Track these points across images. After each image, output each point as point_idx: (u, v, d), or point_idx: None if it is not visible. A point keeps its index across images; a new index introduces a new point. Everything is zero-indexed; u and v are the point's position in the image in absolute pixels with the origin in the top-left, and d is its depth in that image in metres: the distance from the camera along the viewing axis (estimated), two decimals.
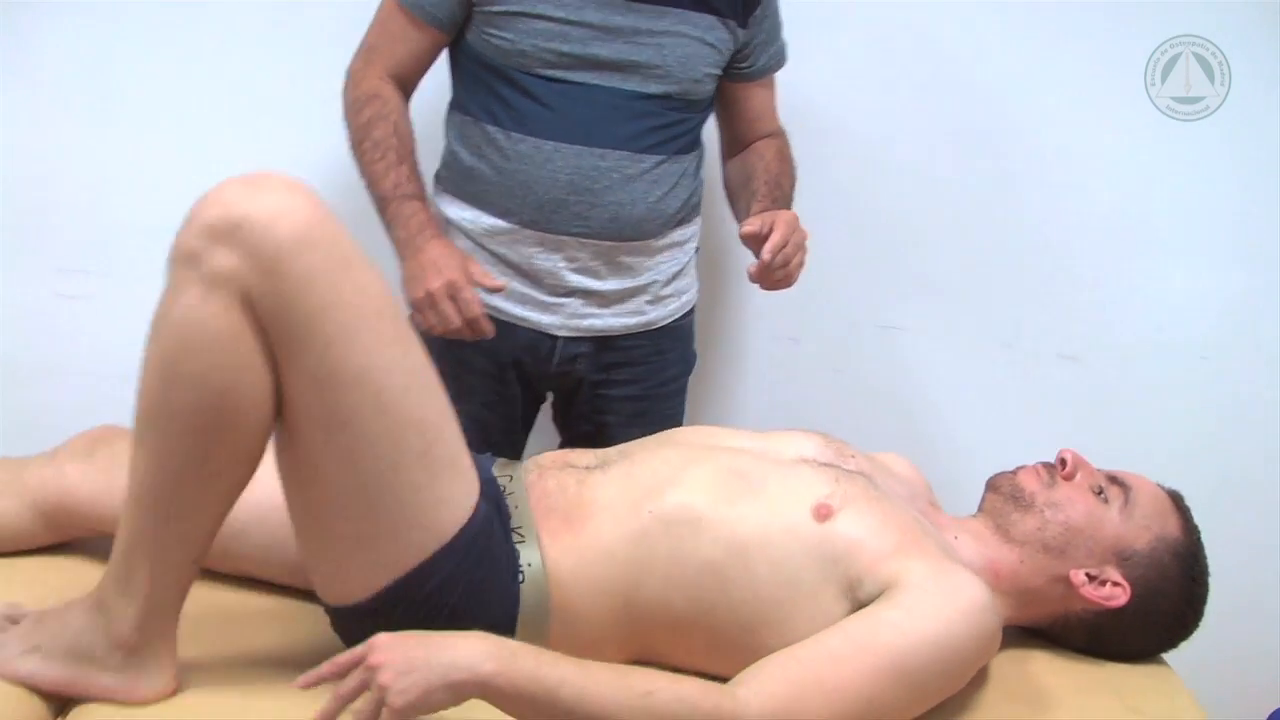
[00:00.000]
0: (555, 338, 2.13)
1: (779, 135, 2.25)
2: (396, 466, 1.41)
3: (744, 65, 2.15)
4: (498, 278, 2.00)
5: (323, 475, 1.42)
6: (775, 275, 1.90)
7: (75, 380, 2.58)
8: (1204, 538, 1.72)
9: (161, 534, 1.42)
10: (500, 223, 2.07)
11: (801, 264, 1.94)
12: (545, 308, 2.12)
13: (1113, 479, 1.71)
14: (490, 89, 2.03)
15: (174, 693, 1.49)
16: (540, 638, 1.50)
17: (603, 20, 1.97)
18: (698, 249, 2.27)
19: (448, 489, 1.47)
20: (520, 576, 1.55)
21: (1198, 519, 1.73)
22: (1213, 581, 1.72)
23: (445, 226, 2.12)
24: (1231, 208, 2.56)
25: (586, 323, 2.14)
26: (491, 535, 1.54)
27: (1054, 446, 1.77)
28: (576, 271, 2.09)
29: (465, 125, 2.08)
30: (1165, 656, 1.77)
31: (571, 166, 2.01)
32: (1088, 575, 1.64)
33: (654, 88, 2.02)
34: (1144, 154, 2.55)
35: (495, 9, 1.97)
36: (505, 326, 2.09)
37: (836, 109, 2.55)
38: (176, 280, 1.34)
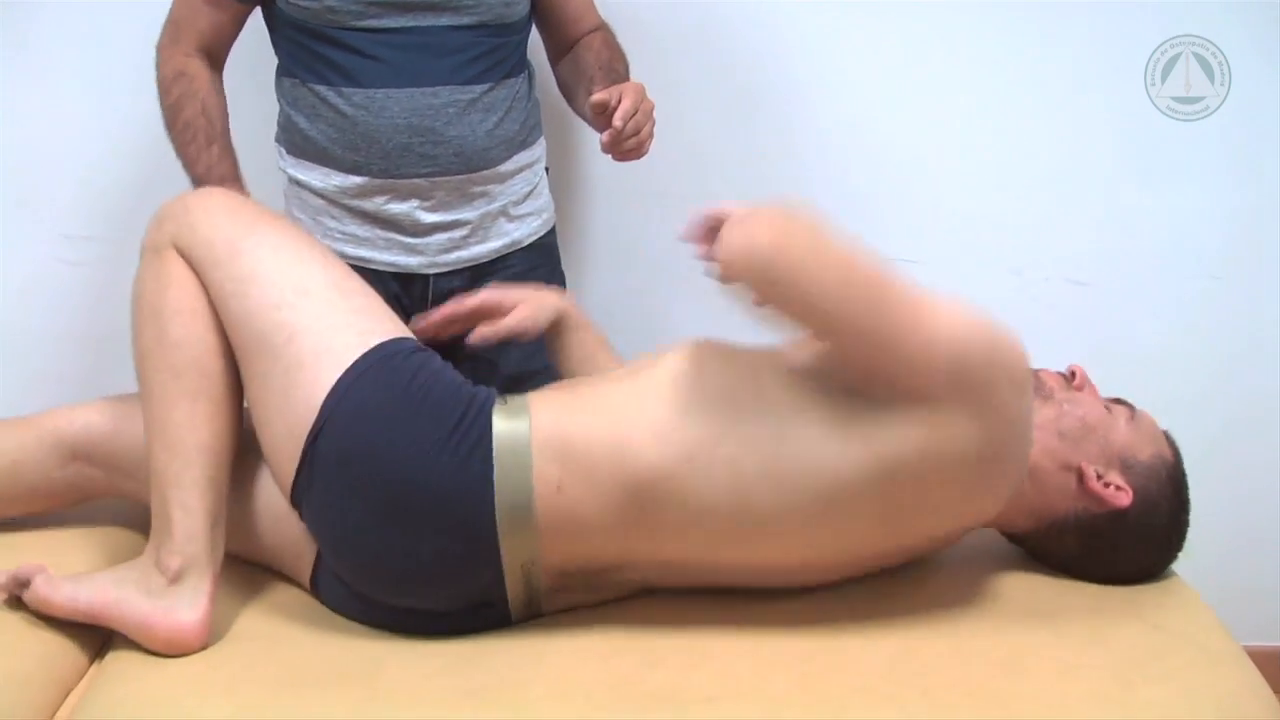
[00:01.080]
0: (427, 276, 2.14)
1: (602, 28, 2.24)
2: (269, 353, 1.63)
3: None
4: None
5: (244, 375, 1.66)
6: (627, 144, 1.91)
7: (78, 346, 2.58)
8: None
9: (172, 461, 1.60)
10: (350, 179, 2.07)
11: (651, 134, 1.94)
12: (409, 249, 2.12)
13: (1117, 400, 1.74)
14: (310, 50, 2.03)
15: (207, 622, 1.57)
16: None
17: None
18: (547, 168, 2.29)
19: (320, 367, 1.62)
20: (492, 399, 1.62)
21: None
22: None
23: (295, 189, 2.15)
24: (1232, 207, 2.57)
25: (453, 255, 2.14)
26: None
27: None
28: (432, 210, 2.10)
29: (294, 89, 2.09)
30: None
31: (406, 110, 2.01)
32: (1096, 473, 1.65)
33: (467, 19, 2.02)
34: (1144, 154, 2.56)
35: None
36: (375, 275, 2.07)
37: (844, 62, 2.56)
38: (141, 263, 1.71)
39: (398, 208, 2.08)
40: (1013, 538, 1.76)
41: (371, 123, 2.02)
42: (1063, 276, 2.60)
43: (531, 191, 2.21)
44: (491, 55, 2.06)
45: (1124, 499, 1.63)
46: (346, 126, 2.03)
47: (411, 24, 1.99)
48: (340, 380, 1.58)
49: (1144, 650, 1.49)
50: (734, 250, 1.46)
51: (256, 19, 2.10)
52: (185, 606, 1.56)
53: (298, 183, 2.13)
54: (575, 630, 1.56)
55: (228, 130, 2.05)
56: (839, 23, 2.51)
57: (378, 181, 2.06)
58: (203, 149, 1.99)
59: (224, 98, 2.07)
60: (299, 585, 1.72)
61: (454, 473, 1.53)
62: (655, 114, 1.95)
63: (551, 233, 2.30)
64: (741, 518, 1.51)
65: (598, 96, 1.90)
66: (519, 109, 2.14)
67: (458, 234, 2.13)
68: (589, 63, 2.15)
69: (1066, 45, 2.52)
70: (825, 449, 1.48)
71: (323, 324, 1.63)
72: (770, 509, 1.50)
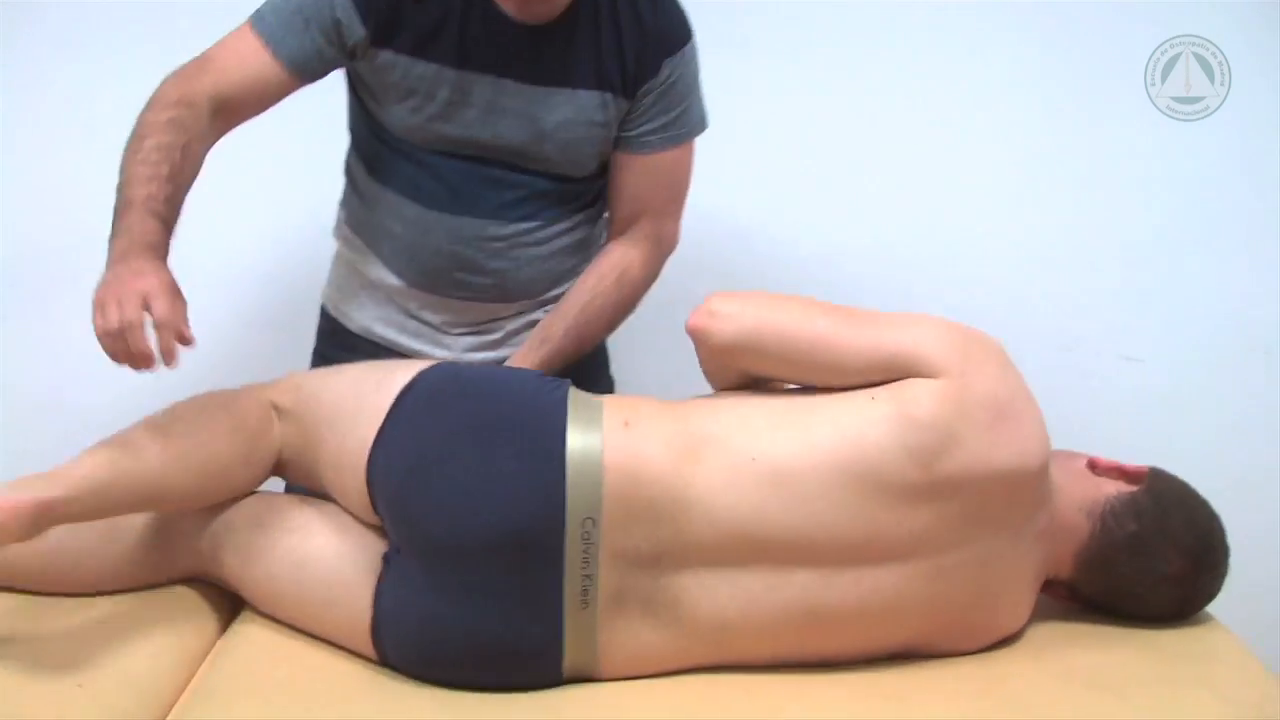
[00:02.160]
0: None
1: (644, 248, 2.06)
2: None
3: (623, 131, 1.99)
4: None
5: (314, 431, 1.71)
6: None
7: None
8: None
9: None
10: (390, 278, 2.04)
11: None
12: (437, 343, 2.07)
13: None
14: (380, 150, 1.97)
15: (19, 508, 1.44)
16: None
17: (489, 100, 1.88)
18: None
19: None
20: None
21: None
22: None
23: (345, 255, 2.12)
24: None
25: (479, 355, 2.08)
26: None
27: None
28: (462, 324, 2.06)
29: (364, 176, 2.03)
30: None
31: (452, 236, 1.96)
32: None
33: (536, 166, 1.94)
34: (1144, 154, 2.55)
35: (375, 78, 1.88)
36: (396, 357, 2.04)
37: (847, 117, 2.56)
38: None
39: (431, 316, 2.05)
40: (1080, 589, 1.72)
41: (417, 240, 1.97)
42: (1115, 352, 2.60)
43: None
44: (547, 197, 1.98)
45: (1142, 467, 1.69)
46: (396, 234, 1.99)
47: (479, 155, 1.93)
48: (425, 369, 1.67)
49: None
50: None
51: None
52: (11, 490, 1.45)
53: (346, 256, 2.11)
54: (650, 699, 1.54)
55: (188, 187, 1.76)
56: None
57: (414, 290, 2.02)
58: (158, 179, 1.70)
59: (202, 163, 1.80)
60: (356, 653, 1.66)
61: (534, 395, 1.63)
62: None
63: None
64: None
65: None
66: (576, 250, 2.07)
67: (488, 338, 2.08)
68: (577, 303, 2.02)
69: (1066, 45, 2.53)
70: (851, 419, 1.56)
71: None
72: (805, 466, 1.53)
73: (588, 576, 1.53)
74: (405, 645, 1.57)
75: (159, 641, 1.63)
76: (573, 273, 2.07)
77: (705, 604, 1.55)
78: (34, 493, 1.45)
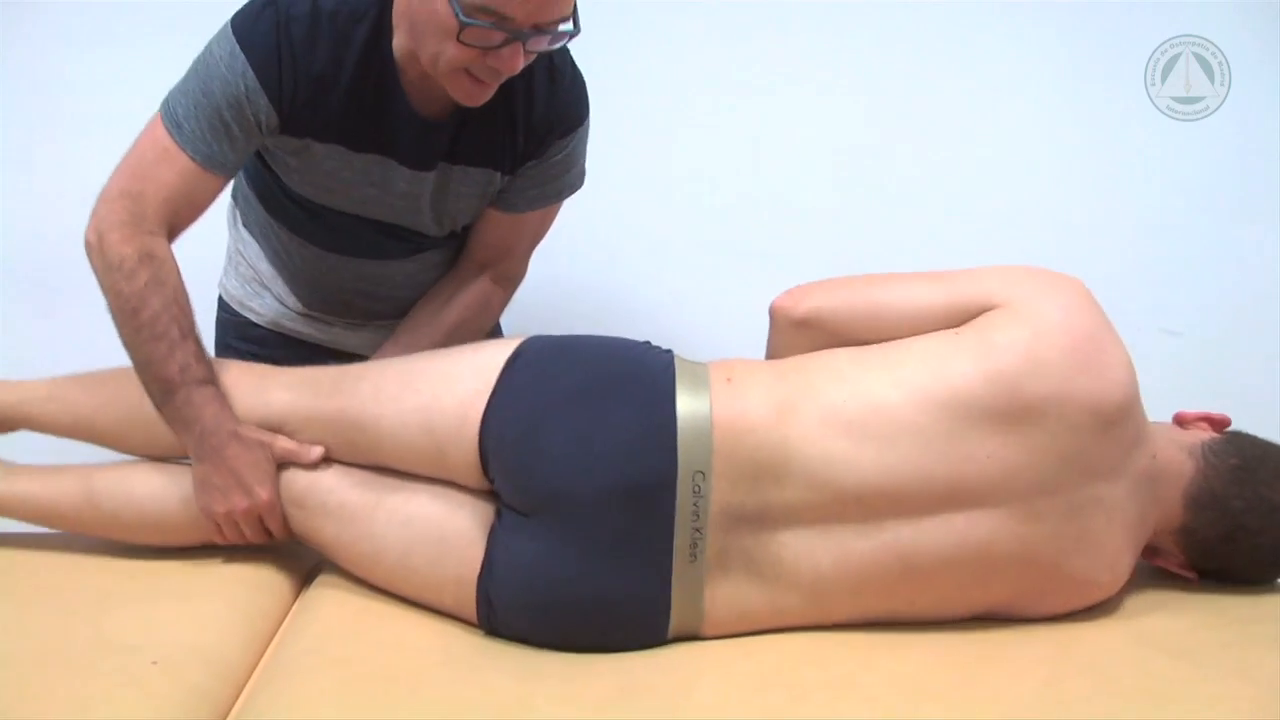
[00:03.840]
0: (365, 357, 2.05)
1: (505, 286, 2.10)
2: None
3: (500, 191, 1.97)
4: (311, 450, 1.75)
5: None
6: None
7: None
8: None
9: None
10: (285, 306, 2.12)
11: None
12: (350, 330, 2.14)
13: None
14: (271, 192, 1.96)
15: None
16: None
17: (382, 180, 1.87)
18: None
19: None
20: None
21: None
22: None
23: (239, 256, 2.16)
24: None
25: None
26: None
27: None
28: (364, 330, 2.13)
29: (252, 213, 2.06)
30: None
31: (354, 274, 2.02)
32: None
33: (425, 229, 1.96)
34: (1144, 154, 2.59)
35: (289, 160, 1.86)
36: (309, 347, 2.12)
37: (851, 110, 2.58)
38: None
39: (330, 330, 2.14)
40: (1195, 535, 1.69)
41: (318, 276, 2.03)
42: (1155, 326, 2.62)
43: None
44: (432, 245, 2.02)
45: (1224, 415, 1.73)
46: (296, 267, 2.04)
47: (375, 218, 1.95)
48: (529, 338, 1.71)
49: None
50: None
51: None
52: None
53: (244, 262, 2.15)
54: (723, 666, 1.53)
55: (197, 326, 1.74)
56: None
57: (314, 312, 2.10)
58: (177, 344, 1.68)
59: (185, 287, 1.75)
60: (456, 618, 1.67)
61: (642, 357, 1.67)
62: None
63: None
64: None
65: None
66: (453, 260, 2.11)
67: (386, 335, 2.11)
68: (435, 322, 2.04)
69: (1066, 45, 2.56)
70: (936, 354, 1.59)
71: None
72: (895, 403, 1.56)
73: (697, 530, 1.54)
74: (512, 594, 1.58)
75: (230, 618, 1.64)
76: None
77: (804, 559, 1.56)
78: None
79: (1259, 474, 1.66)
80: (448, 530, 1.64)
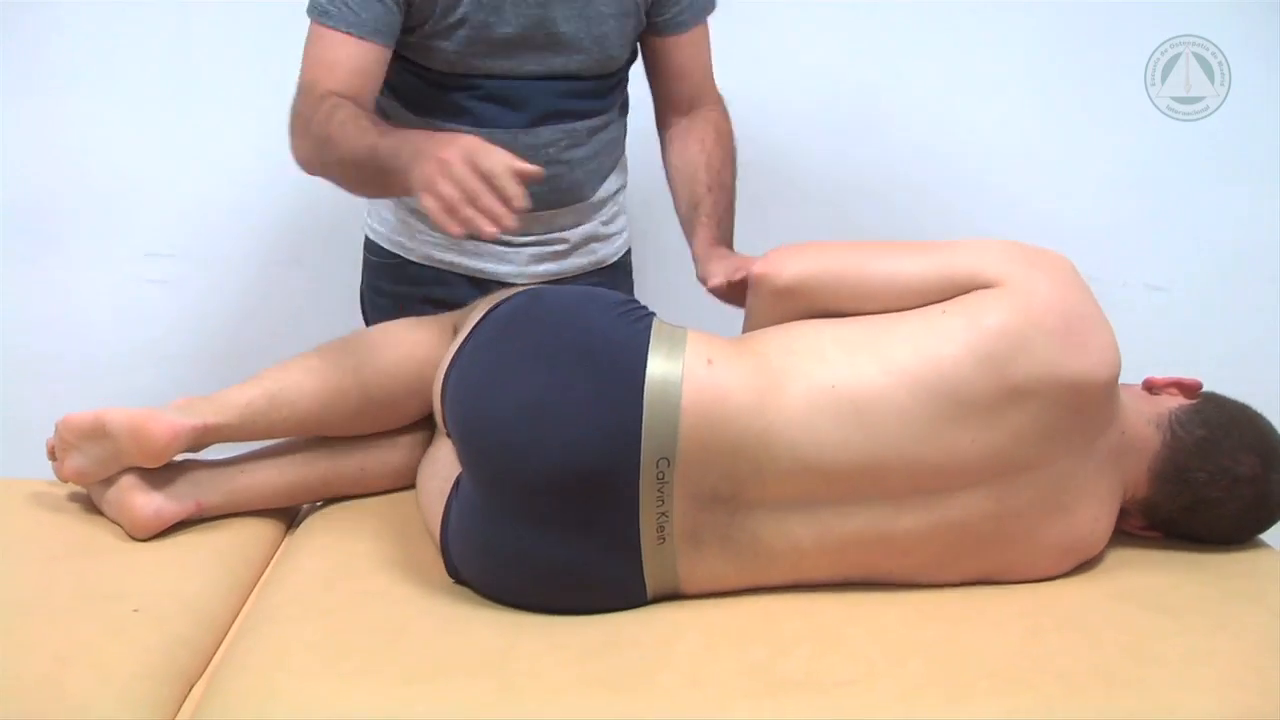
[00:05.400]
0: (513, 285, 2.05)
1: (716, 109, 2.16)
2: None
3: (657, 18, 2.05)
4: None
5: None
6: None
7: (163, 366, 2.59)
8: None
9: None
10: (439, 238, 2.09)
11: None
12: (500, 258, 2.10)
13: None
14: (420, 91, 1.98)
15: (173, 429, 1.70)
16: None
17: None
18: (624, 185, 2.25)
19: None
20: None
21: None
22: None
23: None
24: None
25: (542, 268, 2.12)
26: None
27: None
28: (525, 237, 2.09)
29: (392, 108, 2.03)
30: None
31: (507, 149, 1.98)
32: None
33: (574, 66, 1.98)
34: (1144, 154, 2.60)
35: (441, 24, 1.89)
36: (459, 279, 2.09)
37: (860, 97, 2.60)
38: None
39: (480, 260, 2.09)
40: (1159, 507, 1.70)
41: None
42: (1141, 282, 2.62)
43: (618, 213, 2.21)
44: (588, 97, 2.03)
45: (1196, 380, 1.70)
46: None
47: (512, 69, 1.95)
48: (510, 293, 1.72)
49: (1274, 636, 1.48)
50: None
51: None
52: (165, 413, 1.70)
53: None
54: (705, 619, 1.53)
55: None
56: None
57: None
58: (368, 128, 1.70)
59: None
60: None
61: (615, 324, 1.59)
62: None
63: (628, 254, 2.29)
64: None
65: (715, 284, 1.87)
66: (614, 146, 2.13)
67: (549, 249, 2.11)
68: (698, 167, 2.08)
69: (1066, 45, 2.56)
70: (926, 336, 1.56)
71: None
72: (884, 387, 1.53)
73: (663, 514, 1.51)
74: (470, 569, 1.58)
75: (212, 566, 1.66)
76: (613, 169, 2.16)
77: (783, 538, 1.55)
78: (199, 418, 1.71)
79: (1223, 445, 1.66)
80: (434, 485, 1.67)
